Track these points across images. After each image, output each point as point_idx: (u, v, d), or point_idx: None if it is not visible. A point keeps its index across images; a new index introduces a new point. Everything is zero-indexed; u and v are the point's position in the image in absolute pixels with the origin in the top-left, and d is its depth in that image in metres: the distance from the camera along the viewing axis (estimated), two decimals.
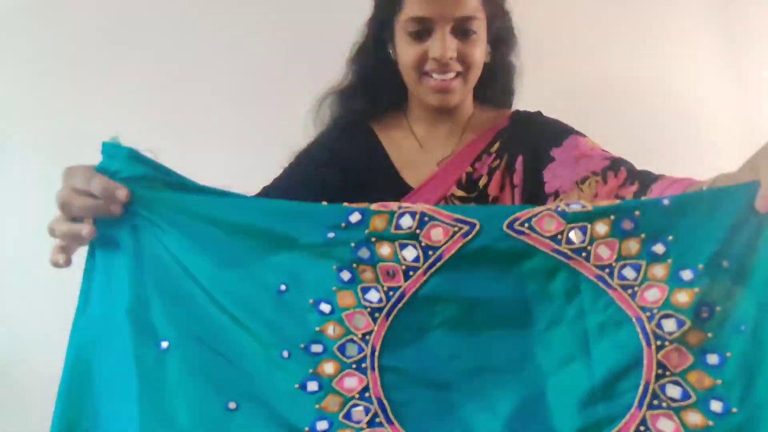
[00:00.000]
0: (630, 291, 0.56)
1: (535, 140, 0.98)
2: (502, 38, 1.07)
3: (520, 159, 0.96)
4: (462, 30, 0.96)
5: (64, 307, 1.52)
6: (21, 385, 1.55)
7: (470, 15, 0.96)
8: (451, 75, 0.96)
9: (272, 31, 1.52)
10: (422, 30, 0.96)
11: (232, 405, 0.56)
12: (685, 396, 0.53)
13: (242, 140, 1.44)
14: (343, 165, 1.01)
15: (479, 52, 0.99)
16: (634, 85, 1.50)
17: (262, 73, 1.51)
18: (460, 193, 0.96)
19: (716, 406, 0.52)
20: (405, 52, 0.99)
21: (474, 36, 0.97)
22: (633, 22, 1.52)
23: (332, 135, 1.10)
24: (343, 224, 0.59)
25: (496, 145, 1.01)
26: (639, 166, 0.90)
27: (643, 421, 0.52)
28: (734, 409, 0.52)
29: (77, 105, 1.52)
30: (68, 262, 0.63)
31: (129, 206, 0.61)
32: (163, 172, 0.63)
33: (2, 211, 1.57)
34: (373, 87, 1.08)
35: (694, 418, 0.52)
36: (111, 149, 0.64)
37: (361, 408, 0.55)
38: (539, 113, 1.06)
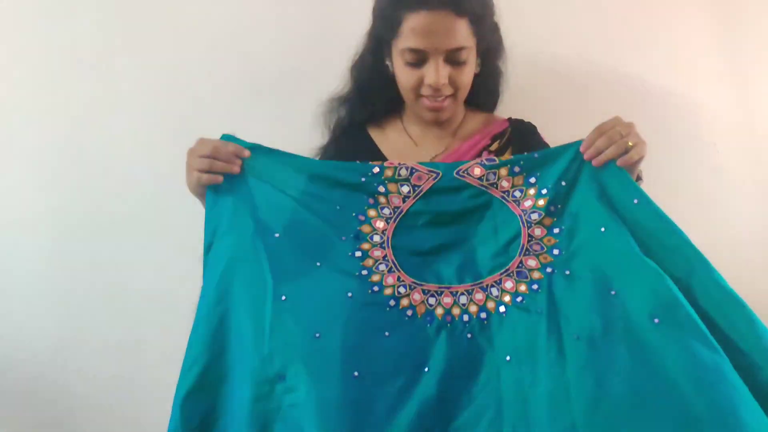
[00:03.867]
0: (516, 203, 1.08)
1: None
2: (491, 49, 1.16)
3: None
4: (453, 59, 1.06)
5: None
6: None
7: (461, 46, 1.05)
8: (443, 97, 1.10)
9: (276, 31, 1.49)
10: (418, 59, 1.07)
11: (318, 263, 1.05)
12: (542, 248, 1.05)
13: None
14: None
15: (468, 76, 1.10)
16: (634, 85, 1.50)
17: (263, 73, 1.49)
18: None
19: (556, 251, 1.04)
20: (403, 75, 1.10)
21: (464, 63, 1.07)
22: (633, 23, 1.51)
23: (330, 146, 1.23)
24: (369, 173, 1.10)
25: (495, 145, 1.17)
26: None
27: (521, 262, 1.05)
28: (563, 252, 1.04)
29: (77, 104, 1.49)
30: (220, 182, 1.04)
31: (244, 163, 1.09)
32: (264, 147, 1.11)
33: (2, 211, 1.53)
34: (371, 95, 1.20)
35: (545, 257, 1.04)
36: (228, 137, 1.11)
37: (383, 264, 1.07)
38: (531, 124, 1.21)
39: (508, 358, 0.99)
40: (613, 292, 0.97)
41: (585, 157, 1.05)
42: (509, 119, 1.23)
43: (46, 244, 1.52)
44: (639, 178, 1.12)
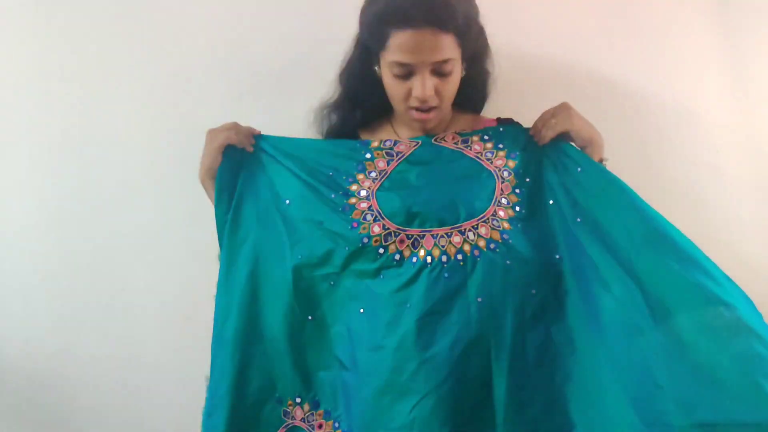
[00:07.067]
0: (489, 161, 1.22)
1: None
2: (477, 52, 1.20)
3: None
4: (439, 70, 1.10)
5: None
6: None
7: (446, 58, 1.08)
8: (430, 109, 1.17)
9: (275, 30, 1.50)
10: (406, 72, 1.11)
11: (320, 222, 1.17)
12: (508, 203, 1.18)
13: None
14: None
15: (454, 85, 1.14)
16: (634, 87, 1.49)
17: (262, 73, 1.50)
18: None
19: (518, 207, 1.17)
20: (391, 87, 1.16)
21: (450, 74, 1.12)
22: (629, 23, 1.51)
23: None
24: (357, 145, 1.25)
25: None
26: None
27: (494, 211, 1.17)
28: (523, 210, 1.17)
29: (77, 103, 1.49)
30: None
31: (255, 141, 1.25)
32: (268, 135, 1.28)
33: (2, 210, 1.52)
34: (361, 100, 1.26)
35: (509, 211, 1.17)
36: None
37: (370, 215, 1.18)
38: (519, 124, 1.26)
39: (479, 299, 1.11)
40: (557, 257, 1.15)
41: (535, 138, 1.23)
42: (498, 119, 1.32)
43: (46, 244, 1.52)
44: (602, 161, 1.26)
